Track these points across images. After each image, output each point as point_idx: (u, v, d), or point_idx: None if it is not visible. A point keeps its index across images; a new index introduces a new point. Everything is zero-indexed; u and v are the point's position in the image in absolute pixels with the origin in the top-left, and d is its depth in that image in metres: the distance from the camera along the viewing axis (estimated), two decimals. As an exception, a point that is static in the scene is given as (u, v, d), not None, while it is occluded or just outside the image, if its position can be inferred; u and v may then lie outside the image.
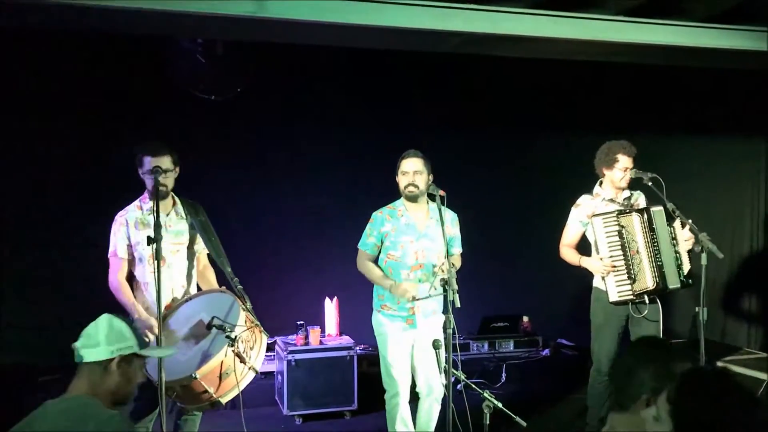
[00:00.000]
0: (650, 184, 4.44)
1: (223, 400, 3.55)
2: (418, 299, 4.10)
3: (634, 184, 4.63)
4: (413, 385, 4.34)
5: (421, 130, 6.08)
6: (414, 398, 4.34)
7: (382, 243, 4.26)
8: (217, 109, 5.85)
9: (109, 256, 3.89)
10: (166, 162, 3.82)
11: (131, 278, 3.91)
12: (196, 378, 3.39)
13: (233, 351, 3.44)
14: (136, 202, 3.95)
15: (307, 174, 6.25)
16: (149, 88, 5.71)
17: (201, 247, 4.09)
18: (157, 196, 3.64)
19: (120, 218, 3.89)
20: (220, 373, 3.45)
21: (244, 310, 3.62)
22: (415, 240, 4.19)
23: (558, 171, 6.48)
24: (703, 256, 4.22)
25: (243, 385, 3.55)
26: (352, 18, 4.20)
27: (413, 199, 4.19)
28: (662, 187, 4.38)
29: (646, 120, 6.68)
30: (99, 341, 2.37)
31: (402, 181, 4.20)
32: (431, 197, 4.10)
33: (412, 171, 4.16)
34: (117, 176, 5.33)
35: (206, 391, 3.45)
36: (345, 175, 6.28)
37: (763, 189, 7.33)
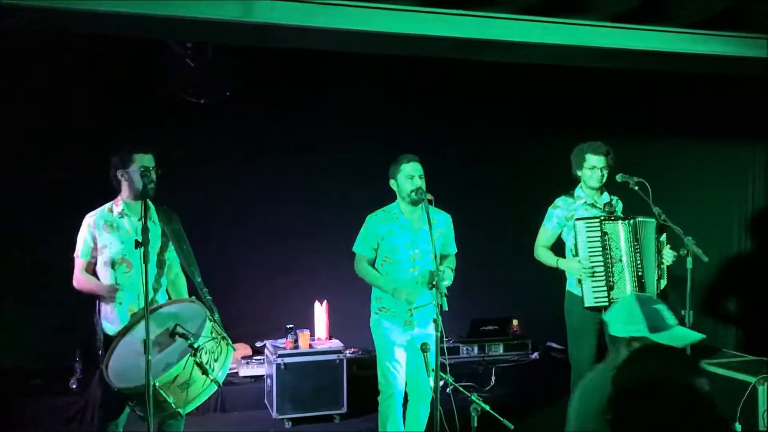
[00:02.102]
0: (636, 188, 4.45)
1: (183, 411, 3.43)
2: (416, 307, 4.12)
3: (618, 189, 4.64)
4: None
5: (411, 133, 6.10)
6: (403, 400, 4.35)
7: (378, 246, 4.26)
8: (207, 112, 5.86)
9: (73, 256, 3.85)
10: (151, 161, 3.80)
11: None
12: (155, 386, 3.28)
13: (195, 361, 3.35)
14: (108, 205, 3.89)
15: (297, 176, 6.26)
16: (137, 91, 5.70)
17: (172, 256, 4.01)
18: (146, 195, 3.59)
19: (88, 219, 3.83)
20: (180, 384, 3.35)
21: (210, 320, 3.54)
22: (411, 242, 4.21)
23: (549, 174, 6.47)
24: (689, 259, 4.24)
25: (203, 398, 3.47)
26: (339, 23, 4.22)
27: (417, 202, 4.18)
28: (648, 192, 4.39)
29: (636, 123, 6.73)
30: None
31: (407, 185, 4.17)
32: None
33: (417, 175, 4.17)
34: (108, 178, 5.37)
35: (166, 401, 3.35)
36: (335, 178, 6.29)
37: (750, 193, 7.40)
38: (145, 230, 3.34)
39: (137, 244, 3.33)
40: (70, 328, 5.57)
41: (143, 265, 3.30)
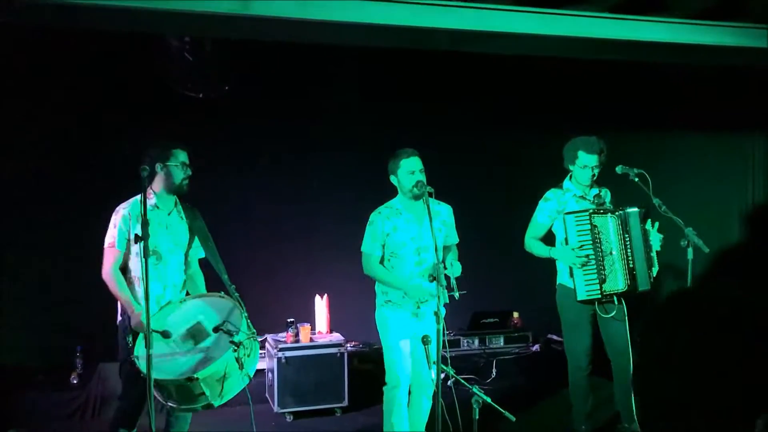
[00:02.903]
0: (637, 179, 4.44)
1: (216, 404, 3.54)
2: (424, 301, 4.13)
3: (611, 180, 4.63)
4: None
5: (411, 127, 6.09)
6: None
7: (384, 242, 4.25)
8: (206, 108, 5.84)
9: (105, 246, 3.85)
10: (187, 157, 3.94)
11: (124, 272, 3.88)
12: (197, 379, 3.38)
13: (235, 357, 3.45)
14: (139, 197, 3.88)
15: (296, 171, 6.25)
16: (138, 87, 5.69)
17: (194, 252, 4.10)
18: (181, 190, 3.84)
19: (123, 210, 3.86)
20: (219, 377, 3.44)
21: (245, 317, 3.63)
22: (415, 236, 4.20)
23: (549, 167, 6.48)
24: (689, 250, 4.24)
25: (236, 392, 3.56)
26: (337, 15, 4.21)
27: (419, 197, 4.15)
28: (648, 183, 4.39)
29: (634, 116, 6.72)
30: None
31: (408, 180, 4.15)
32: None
33: (417, 170, 4.15)
34: (105, 177, 5.37)
35: (203, 393, 3.44)
36: (335, 173, 6.28)
37: (750, 185, 7.40)
38: (144, 224, 3.35)
39: (137, 239, 3.35)
40: (70, 325, 5.59)
41: (143, 260, 3.32)
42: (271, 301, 5.92)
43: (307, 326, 5.47)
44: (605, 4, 4.83)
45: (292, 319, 5.44)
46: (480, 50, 5.40)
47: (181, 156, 3.91)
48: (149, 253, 3.60)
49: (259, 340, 5.84)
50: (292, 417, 5.26)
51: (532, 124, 6.67)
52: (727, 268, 7.10)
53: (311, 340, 5.44)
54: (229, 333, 3.50)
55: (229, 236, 5.92)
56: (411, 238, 4.20)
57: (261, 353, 5.67)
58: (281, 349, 5.27)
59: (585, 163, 4.46)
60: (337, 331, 5.66)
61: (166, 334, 3.59)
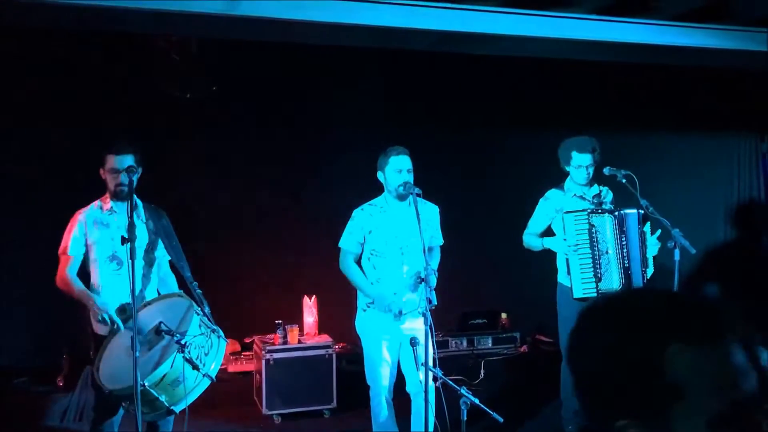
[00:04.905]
0: (624, 181, 4.49)
1: (177, 409, 3.44)
2: (405, 312, 4.09)
3: (612, 180, 4.67)
4: (403, 385, 4.30)
5: (399, 127, 6.08)
6: (406, 398, 4.31)
7: (364, 240, 4.21)
8: (193, 107, 5.81)
9: (59, 253, 3.82)
10: (130, 161, 3.77)
11: (85, 280, 3.82)
12: (144, 385, 3.28)
13: (183, 357, 3.33)
14: (97, 202, 3.90)
15: (284, 171, 6.23)
16: (124, 88, 5.66)
17: (162, 254, 4.01)
18: (131, 195, 3.60)
19: (79, 216, 3.83)
20: (171, 381, 3.35)
21: (198, 314, 3.53)
22: (398, 235, 4.16)
23: (536, 169, 6.51)
24: (676, 251, 4.28)
25: (197, 393, 3.46)
26: (323, 16, 4.21)
27: (404, 197, 4.13)
28: (636, 184, 4.44)
29: (622, 117, 6.75)
30: None
31: (395, 178, 4.10)
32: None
33: (405, 169, 4.11)
34: (91, 177, 5.32)
35: (158, 399, 3.35)
36: (323, 172, 6.27)
37: (736, 187, 7.45)
38: (131, 227, 3.32)
39: (123, 241, 3.33)
40: (56, 326, 5.54)
41: (130, 262, 3.29)
42: (258, 302, 5.90)
43: (295, 328, 5.45)
44: (593, 6, 4.85)
45: (279, 321, 5.42)
46: (466, 51, 5.40)
47: (113, 161, 3.76)
48: (105, 258, 3.57)
49: (247, 341, 5.89)
50: (280, 418, 5.24)
51: (519, 125, 6.69)
52: (713, 268, 7.15)
53: (299, 341, 5.42)
54: (170, 333, 3.38)
55: (216, 237, 5.92)
56: (394, 236, 4.15)
57: (248, 355, 5.68)
58: (269, 351, 5.25)
59: (579, 163, 4.53)
60: (325, 333, 5.64)
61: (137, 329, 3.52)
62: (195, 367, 3.38)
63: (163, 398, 3.34)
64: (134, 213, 3.79)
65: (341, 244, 4.27)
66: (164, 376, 3.33)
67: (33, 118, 5.53)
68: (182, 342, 3.33)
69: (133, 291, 3.28)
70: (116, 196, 3.79)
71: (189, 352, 3.35)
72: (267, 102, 6.10)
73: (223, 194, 5.99)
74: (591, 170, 4.55)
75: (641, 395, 1.04)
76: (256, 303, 5.83)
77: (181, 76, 5.57)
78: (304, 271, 6.10)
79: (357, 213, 4.26)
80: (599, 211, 4.49)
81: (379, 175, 4.24)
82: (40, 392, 5.27)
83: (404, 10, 4.36)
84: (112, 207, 3.84)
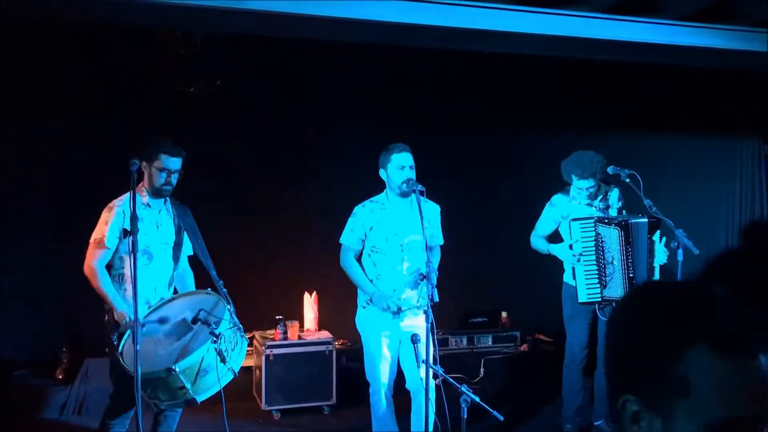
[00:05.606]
0: (628, 180, 4.47)
1: (199, 399, 3.45)
2: (404, 309, 4.09)
3: (611, 177, 4.67)
4: (403, 383, 4.29)
5: (401, 126, 6.06)
6: (406, 396, 4.30)
7: (365, 237, 4.20)
8: (196, 104, 5.80)
9: (91, 241, 3.75)
10: (180, 164, 3.86)
11: (109, 269, 3.81)
12: (174, 371, 3.29)
13: (215, 348, 3.36)
14: (129, 194, 3.88)
15: (285, 168, 6.22)
16: (127, 82, 5.64)
17: (183, 250, 4.04)
18: (159, 195, 3.78)
19: (116, 207, 3.76)
20: (199, 370, 3.36)
21: (229, 309, 3.58)
22: (400, 233, 4.15)
23: (537, 168, 6.51)
24: (679, 252, 4.27)
25: (220, 386, 3.46)
26: (328, 10, 4.19)
27: (407, 194, 4.11)
28: (639, 184, 4.42)
29: (625, 117, 6.73)
30: None
31: (398, 175, 4.07)
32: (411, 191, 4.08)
33: (408, 166, 4.08)
34: (90, 175, 5.32)
35: (183, 387, 3.36)
36: (324, 169, 6.26)
37: (738, 186, 7.43)
38: (134, 219, 3.31)
39: (125, 233, 3.31)
40: (55, 319, 5.55)
41: (131, 255, 3.28)
42: (259, 298, 5.89)
43: (296, 323, 5.45)
44: (599, 5, 4.83)
45: (280, 316, 5.41)
46: (470, 48, 5.38)
47: (166, 161, 3.80)
48: (138, 251, 3.57)
49: (248, 336, 5.87)
50: (279, 414, 5.24)
51: (521, 124, 6.67)
52: (715, 269, 7.14)
53: (299, 337, 5.42)
54: (207, 323, 3.42)
55: (218, 233, 5.89)
56: (395, 234, 4.13)
57: (249, 350, 5.67)
58: (269, 347, 5.25)
59: (580, 186, 4.54)
60: (325, 329, 5.63)
61: (163, 320, 3.56)
62: (223, 360, 3.40)
63: (188, 386, 3.35)
64: (164, 208, 3.91)
65: (342, 240, 4.27)
66: (199, 361, 3.35)
67: (29, 114, 5.52)
68: (216, 332, 3.36)
69: (135, 283, 3.26)
70: (157, 194, 3.82)
71: (220, 344, 3.38)
72: (268, 101, 6.09)
73: (224, 191, 5.98)
74: (593, 191, 4.57)
75: (653, 380, 1.07)
76: (256, 299, 5.81)
77: (185, 71, 5.55)
78: (305, 268, 6.09)
79: (358, 209, 4.24)
80: (605, 220, 4.49)
81: (381, 173, 4.22)
82: (40, 385, 5.27)
83: (409, 6, 4.34)
84: (147, 201, 3.84)
